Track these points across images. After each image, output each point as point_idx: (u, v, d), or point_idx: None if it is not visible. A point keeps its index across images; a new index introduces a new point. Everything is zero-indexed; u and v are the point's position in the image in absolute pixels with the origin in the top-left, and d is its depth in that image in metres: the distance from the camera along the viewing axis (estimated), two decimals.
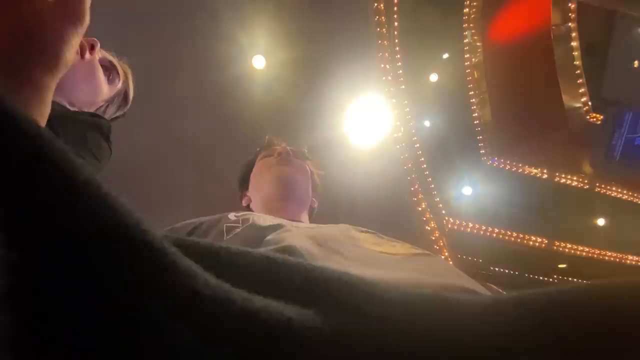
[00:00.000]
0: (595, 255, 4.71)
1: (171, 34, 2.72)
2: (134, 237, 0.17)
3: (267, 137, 0.95)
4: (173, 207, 1.81)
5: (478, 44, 4.43)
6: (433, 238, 3.79)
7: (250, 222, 0.56)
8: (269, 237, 0.49)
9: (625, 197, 4.63)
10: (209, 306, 0.17)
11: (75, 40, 0.32)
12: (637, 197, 4.64)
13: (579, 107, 4.30)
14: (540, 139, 4.27)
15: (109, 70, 0.95)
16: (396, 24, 3.59)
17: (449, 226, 4.18)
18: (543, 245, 4.56)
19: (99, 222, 0.16)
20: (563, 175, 4.51)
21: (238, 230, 0.55)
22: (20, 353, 0.14)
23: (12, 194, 0.16)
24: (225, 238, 0.54)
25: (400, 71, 3.55)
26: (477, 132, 4.46)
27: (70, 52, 0.32)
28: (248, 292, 0.19)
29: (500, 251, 4.52)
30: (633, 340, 0.20)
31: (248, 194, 0.89)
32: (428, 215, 3.78)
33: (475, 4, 4.39)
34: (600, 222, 4.81)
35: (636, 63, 4.84)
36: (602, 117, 4.26)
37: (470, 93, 4.44)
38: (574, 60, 4.24)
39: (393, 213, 3.46)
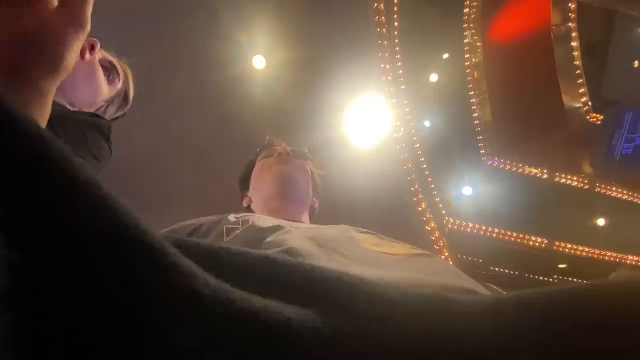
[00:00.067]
0: (595, 255, 4.71)
1: (171, 34, 2.73)
2: (133, 237, 0.17)
3: (267, 137, 0.95)
4: (173, 207, 1.81)
5: (478, 44, 4.43)
6: (433, 238, 3.79)
7: (250, 223, 0.56)
8: (268, 239, 0.49)
9: (625, 197, 4.63)
10: (208, 306, 0.17)
11: (76, 45, 0.33)
12: (637, 197, 4.64)
13: (579, 107, 4.30)
14: (540, 139, 4.27)
15: (109, 70, 0.95)
16: (396, 24, 3.59)
17: (449, 226, 4.18)
18: (543, 245, 4.57)
19: (99, 222, 0.16)
20: (563, 175, 4.51)
21: (238, 231, 0.55)
22: (20, 353, 0.14)
23: (13, 194, 0.16)
24: (225, 239, 0.54)
25: (400, 71, 3.55)
26: (477, 132, 4.46)
27: (72, 57, 0.33)
28: (248, 293, 0.19)
29: (500, 251, 4.52)
30: (633, 340, 0.20)
31: (248, 194, 0.89)
32: (428, 215, 3.78)
33: (475, 4, 4.39)
34: (600, 222, 4.81)
35: (636, 63, 4.84)
36: (602, 117, 4.26)
37: (470, 93, 4.44)
38: (574, 60, 4.24)
39: (393, 213, 3.46)
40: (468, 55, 4.42)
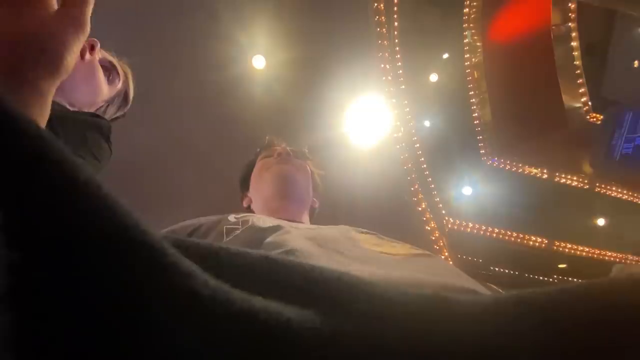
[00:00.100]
0: (595, 255, 4.71)
1: (171, 34, 2.73)
2: (133, 237, 0.17)
3: (267, 137, 0.95)
4: (173, 207, 1.81)
5: (478, 44, 4.43)
6: (433, 238, 3.79)
7: (250, 223, 0.56)
8: (268, 240, 0.49)
9: (625, 197, 4.63)
10: (208, 306, 0.17)
11: (76, 46, 0.33)
12: (637, 197, 4.64)
13: (579, 107, 4.30)
14: (540, 139, 4.27)
15: (109, 70, 0.95)
16: (396, 24, 3.59)
17: (449, 226, 4.18)
18: (543, 245, 4.57)
19: (98, 222, 0.17)
20: (563, 175, 4.51)
21: (238, 232, 0.55)
22: (20, 353, 0.14)
23: (12, 194, 0.16)
24: (224, 240, 0.54)
25: (400, 71, 3.55)
26: (477, 132, 4.46)
27: (72, 57, 0.33)
28: (248, 293, 0.19)
29: (500, 251, 4.52)
30: (634, 337, 0.20)
31: (249, 194, 0.89)
32: (428, 215, 3.78)
33: (475, 4, 4.39)
34: (600, 222, 4.81)
35: (636, 63, 4.84)
36: (602, 117, 4.26)
37: (470, 93, 4.44)
38: (574, 60, 4.24)
39: (393, 213, 3.46)
40: (468, 55, 4.42)
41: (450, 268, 0.54)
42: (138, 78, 1.05)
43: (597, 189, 4.52)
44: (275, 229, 0.53)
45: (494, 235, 4.40)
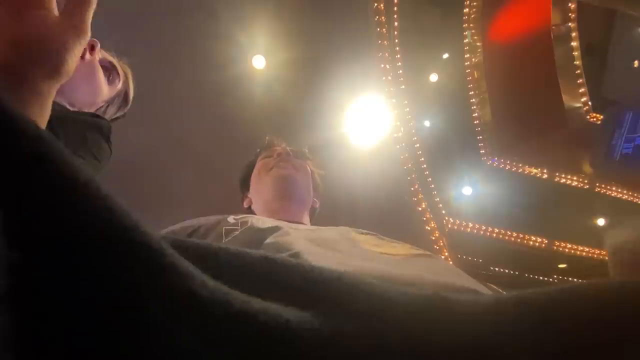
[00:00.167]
0: (595, 255, 4.71)
1: (171, 34, 2.73)
2: (132, 238, 0.17)
3: (267, 137, 0.95)
4: (173, 208, 1.81)
5: (478, 44, 4.43)
6: (433, 238, 3.79)
7: (249, 224, 0.56)
8: (268, 241, 0.49)
9: (625, 197, 4.63)
10: (207, 307, 0.17)
11: (77, 50, 0.34)
12: (637, 197, 4.64)
13: (579, 107, 4.30)
14: (540, 139, 4.27)
15: (109, 70, 0.95)
16: (396, 24, 3.59)
17: (449, 226, 4.18)
18: (543, 245, 4.56)
19: (98, 223, 0.17)
20: (563, 175, 4.51)
21: (237, 233, 0.55)
22: (20, 353, 0.14)
23: (12, 195, 0.16)
24: (223, 241, 0.54)
25: (400, 71, 3.55)
26: (477, 132, 4.46)
27: (73, 61, 0.33)
28: (247, 295, 0.19)
29: (500, 251, 4.52)
30: (634, 337, 0.20)
31: (249, 195, 0.89)
32: (428, 215, 3.78)
33: (475, 4, 4.39)
34: (600, 222, 4.81)
35: (636, 63, 4.84)
36: (602, 117, 4.26)
37: (470, 93, 4.44)
38: (574, 60, 4.24)
39: (393, 213, 3.46)
40: (468, 55, 4.42)
41: (451, 268, 0.54)
42: (138, 78, 1.05)
43: (597, 189, 4.52)
44: (274, 229, 0.53)
45: (494, 235, 4.40)
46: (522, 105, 4.24)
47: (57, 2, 0.34)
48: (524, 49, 4.24)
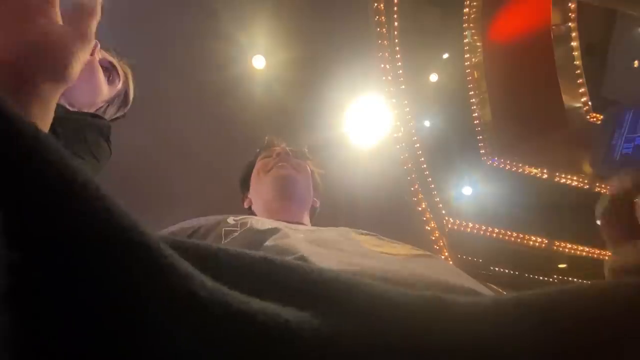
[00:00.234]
0: (595, 255, 4.70)
1: (171, 33, 2.72)
2: (131, 239, 0.17)
3: (266, 137, 0.95)
4: (173, 208, 1.81)
5: (478, 44, 4.43)
6: (433, 238, 3.78)
7: (249, 225, 0.56)
8: (269, 244, 0.49)
9: None
10: (206, 308, 0.17)
11: (82, 56, 0.34)
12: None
13: (579, 107, 4.30)
14: (541, 139, 4.26)
15: (109, 70, 0.95)
16: (396, 24, 3.59)
17: (449, 226, 4.18)
18: (543, 245, 4.56)
19: (96, 224, 0.17)
20: (563, 175, 4.51)
21: (236, 234, 0.55)
22: (20, 353, 0.14)
23: (11, 195, 0.16)
24: (222, 242, 0.54)
25: (400, 71, 3.54)
26: (477, 132, 4.46)
27: (77, 66, 0.34)
28: (246, 295, 0.19)
29: (500, 251, 4.52)
30: (633, 336, 0.20)
31: (249, 195, 0.89)
32: (428, 215, 3.78)
33: (475, 4, 4.39)
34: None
35: (636, 63, 4.84)
36: (602, 117, 4.25)
37: (470, 93, 4.44)
38: (574, 60, 4.24)
39: (393, 213, 3.46)
40: (468, 55, 4.42)
41: (451, 268, 0.54)
42: (138, 78, 1.05)
43: (597, 189, 4.52)
44: (273, 231, 0.53)
45: (494, 235, 4.40)
46: (522, 105, 4.23)
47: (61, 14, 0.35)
48: (524, 49, 4.24)
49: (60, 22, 0.33)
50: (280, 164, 0.83)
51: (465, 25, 4.43)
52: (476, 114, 4.43)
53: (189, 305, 0.17)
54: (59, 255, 0.16)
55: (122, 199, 0.18)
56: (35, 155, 0.17)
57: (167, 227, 0.62)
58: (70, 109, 0.88)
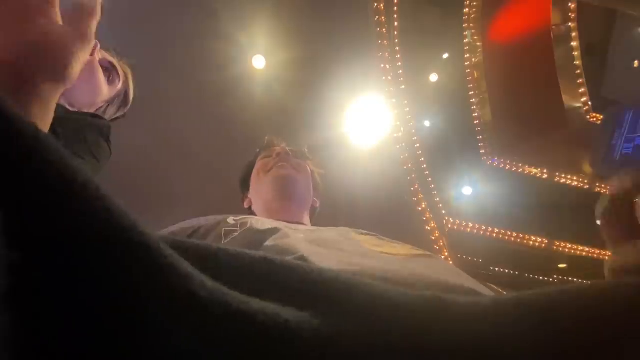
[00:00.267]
0: (595, 255, 4.70)
1: (171, 33, 2.72)
2: (131, 239, 0.17)
3: (266, 137, 0.95)
4: (173, 208, 1.81)
5: (478, 44, 4.43)
6: (433, 238, 3.78)
7: (248, 226, 0.56)
8: (269, 244, 0.49)
9: None
10: (206, 308, 0.17)
11: (82, 57, 0.34)
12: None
13: (579, 107, 4.30)
14: (541, 139, 4.26)
15: (109, 71, 0.95)
16: (396, 24, 3.59)
17: (449, 226, 4.18)
18: (543, 245, 4.56)
19: (96, 224, 0.17)
20: (563, 175, 4.51)
21: (236, 234, 0.55)
22: (20, 353, 0.14)
23: (10, 195, 0.16)
24: (222, 242, 0.54)
25: (400, 71, 3.54)
26: (477, 132, 4.46)
27: (77, 66, 0.34)
28: (246, 295, 0.19)
29: (500, 251, 4.52)
30: (634, 336, 0.20)
31: (249, 196, 0.89)
32: (428, 215, 3.78)
33: (475, 4, 4.39)
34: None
35: (636, 63, 4.84)
36: (602, 117, 4.24)
37: (470, 93, 4.44)
38: (574, 60, 4.24)
39: (393, 213, 3.46)
40: (468, 55, 4.42)
41: (451, 268, 0.54)
42: (138, 78, 1.05)
43: (597, 189, 4.52)
44: (273, 231, 0.53)
45: (494, 235, 4.40)
46: (522, 105, 4.23)
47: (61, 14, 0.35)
48: (524, 49, 4.24)
49: (60, 23, 0.34)
50: (280, 164, 0.83)
51: (465, 25, 4.43)
52: (476, 114, 4.43)
53: (189, 305, 0.17)
54: (59, 255, 0.16)
55: (122, 199, 0.18)
56: (35, 155, 0.17)
57: (167, 227, 0.62)
58: (70, 109, 0.88)
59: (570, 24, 4.19)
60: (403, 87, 3.54)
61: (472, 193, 4.46)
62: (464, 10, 4.42)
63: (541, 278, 4.96)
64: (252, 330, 0.17)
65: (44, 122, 0.34)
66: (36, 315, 0.15)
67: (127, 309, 0.16)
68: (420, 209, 3.72)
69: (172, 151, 2.89)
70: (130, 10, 2.39)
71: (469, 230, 4.29)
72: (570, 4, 4.16)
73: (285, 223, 0.61)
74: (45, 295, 0.15)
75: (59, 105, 0.82)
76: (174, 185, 2.88)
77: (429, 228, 3.77)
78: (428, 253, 0.54)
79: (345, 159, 3.15)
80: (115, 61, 0.96)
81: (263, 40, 3.05)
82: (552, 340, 0.20)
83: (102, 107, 0.96)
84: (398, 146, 3.57)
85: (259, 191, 0.83)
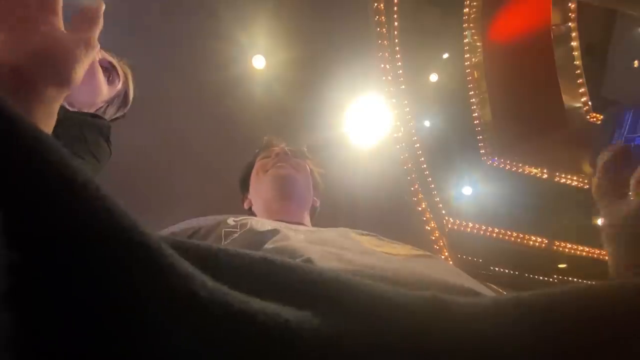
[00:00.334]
0: (595, 255, 4.70)
1: (171, 33, 2.72)
2: (131, 239, 0.17)
3: (265, 137, 0.95)
4: (173, 208, 1.81)
5: (478, 44, 4.43)
6: (433, 238, 3.78)
7: (248, 227, 0.56)
8: (268, 247, 0.49)
9: None
10: (206, 308, 0.17)
11: (85, 61, 0.35)
12: None
13: (579, 107, 4.30)
14: (541, 139, 4.26)
15: (109, 71, 0.95)
16: (396, 24, 3.59)
17: (449, 226, 4.18)
18: (543, 245, 4.56)
19: (96, 224, 0.17)
20: (563, 175, 4.51)
21: (236, 235, 0.55)
22: (20, 353, 0.14)
23: (11, 195, 0.16)
24: (222, 243, 0.54)
25: (400, 71, 3.54)
26: (477, 132, 4.46)
27: (80, 71, 0.35)
28: (246, 295, 0.19)
29: (500, 251, 4.52)
30: (634, 336, 0.20)
31: (249, 196, 0.88)
32: (428, 215, 3.78)
33: (475, 4, 4.39)
34: (600, 222, 4.78)
35: (636, 63, 4.84)
36: (602, 117, 4.23)
37: (470, 93, 4.44)
38: (574, 60, 4.24)
39: (393, 213, 3.46)
40: (468, 55, 4.42)
41: (451, 268, 0.54)
42: (138, 78, 1.05)
43: None
44: (273, 233, 0.53)
45: (494, 235, 4.40)
46: (522, 105, 4.23)
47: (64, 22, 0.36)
48: (524, 49, 4.24)
49: (63, 28, 0.34)
50: (279, 164, 0.83)
51: (465, 25, 4.43)
52: (476, 114, 4.43)
53: (189, 305, 0.17)
54: (59, 255, 0.16)
55: (122, 199, 0.18)
56: (35, 155, 0.17)
57: (167, 227, 0.62)
58: (70, 109, 0.88)
59: (570, 24, 4.19)
60: (403, 87, 3.55)
61: (472, 193, 4.46)
62: (464, 10, 4.42)
63: (541, 278, 4.96)
64: (252, 330, 0.17)
65: (47, 124, 0.34)
66: (36, 315, 0.15)
67: (127, 309, 0.16)
68: (420, 209, 3.72)
69: (172, 151, 2.89)
70: (131, 10, 2.39)
71: (469, 230, 4.29)
72: (570, 4, 4.16)
73: (285, 224, 0.61)
74: (45, 295, 0.15)
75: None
76: (174, 185, 2.88)
77: (429, 228, 3.77)
78: (428, 253, 0.54)
79: (345, 159, 3.15)
80: (115, 61, 0.96)
81: (263, 40, 3.05)
82: (552, 340, 0.20)
83: (101, 107, 0.96)
84: (398, 146, 3.57)
85: (259, 191, 0.83)
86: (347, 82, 3.12)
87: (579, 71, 4.25)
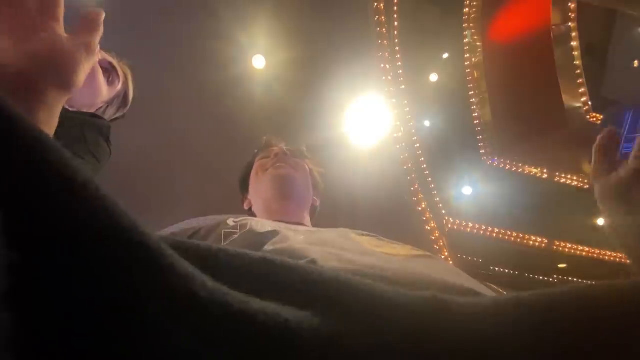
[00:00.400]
0: (595, 255, 4.70)
1: (171, 33, 2.72)
2: (131, 239, 0.17)
3: (264, 137, 0.94)
4: (173, 208, 1.81)
5: (478, 44, 4.43)
6: (433, 238, 3.78)
7: (248, 227, 0.56)
8: (268, 248, 0.49)
9: None
10: (206, 308, 0.17)
11: (86, 65, 0.36)
12: None
13: (579, 107, 4.30)
14: (541, 139, 4.27)
15: (109, 71, 0.95)
16: (396, 24, 3.59)
17: (449, 226, 4.18)
18: (543, 245, 4.56)
19: (97, 224, 0.17)
20: (563, 175, 4.51)
21: (235, 236, 0.55)
22: (20, 353, 0.14)
23: (11, 195, 0.16)
24: (222, 244, 0.54)
25: (400, 71, 3.54)
26: (477, 132, 4.46)
27: (82, 74, 0.36)
28: (246, 295, 0.19)
29: (500, 251, 4.52)
30: (631, 331, 0.21)
31: (249, 197, 0.88)
32: (428, 215, 3.78)
33: (475, 4, 4.39)
34: (600, 222, 4.79)
35: (636, 63, 4.84)
36: (602, 117, 4.22)
37: (470, 93, 4.44)
38: (574, 60, 4.24)
39: (393, 213, 3.46)
40: (468, 55, 4.42)
41: (451, 268, 0.54)
42: (138, 78, 1.05)
43: None
44: (273, 234, 0.52)
45: (494, 235, 4.40)
46: (522, 105, 4.23)
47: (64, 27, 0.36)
48: (524, 49, 4.24)
49: (64, 33, 0.35)
50: (278, 164, 0.83)
51: (465, 25, 4.43)
52: (476, 114, 4.43)
53: (189, 305, 0.17)
54: (59, 255, 0.16)
55: (122, 199, 0.18)
56: (36, 155, 0.17)
57: (167, 227, 0.62)
58: (70, 109, 0.88)
59: (570, 24, 4.19)
60: (403, 87, 3.55)
61: (472, 193, 4.46)
62: (464, 10, 4.42)
63: (541, 278, 4.96)
64: (252, 330, 0.17)
65: (49, 126, 0.35)
66: (36, 315, 0.15)
67: (127, 309, 0.16)
68: (420, 209, 3.72)
69: (172, 151, 2.89)
70: (131, 10, 2.39)
71: (469, 230, 4.29)
72: (570, 4, 4.16)
73: (285, 224, 0.61)
74: (45, 295, 0.15)
75: None
76: (174, 185, 2.88)
77: (429, 228, 3.77)
78: (428, 253, 0.54)
79: (345, 159, 3.15)
80: (115, 62, 0.96)
81: (263, 40, 3.05)
82: (552, 340, 0.20)
83: (101, 107, 0.96)
84: (398, 146, 3.57)
85: (258, 191, 0.83)
86: (347, 82, 3.12)
87: (579, 71, 4.25)
